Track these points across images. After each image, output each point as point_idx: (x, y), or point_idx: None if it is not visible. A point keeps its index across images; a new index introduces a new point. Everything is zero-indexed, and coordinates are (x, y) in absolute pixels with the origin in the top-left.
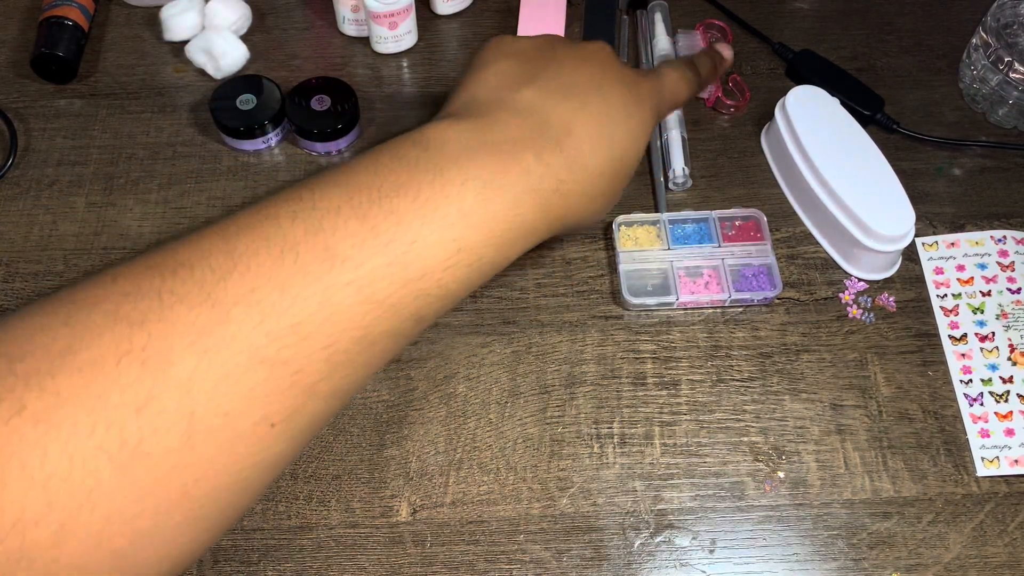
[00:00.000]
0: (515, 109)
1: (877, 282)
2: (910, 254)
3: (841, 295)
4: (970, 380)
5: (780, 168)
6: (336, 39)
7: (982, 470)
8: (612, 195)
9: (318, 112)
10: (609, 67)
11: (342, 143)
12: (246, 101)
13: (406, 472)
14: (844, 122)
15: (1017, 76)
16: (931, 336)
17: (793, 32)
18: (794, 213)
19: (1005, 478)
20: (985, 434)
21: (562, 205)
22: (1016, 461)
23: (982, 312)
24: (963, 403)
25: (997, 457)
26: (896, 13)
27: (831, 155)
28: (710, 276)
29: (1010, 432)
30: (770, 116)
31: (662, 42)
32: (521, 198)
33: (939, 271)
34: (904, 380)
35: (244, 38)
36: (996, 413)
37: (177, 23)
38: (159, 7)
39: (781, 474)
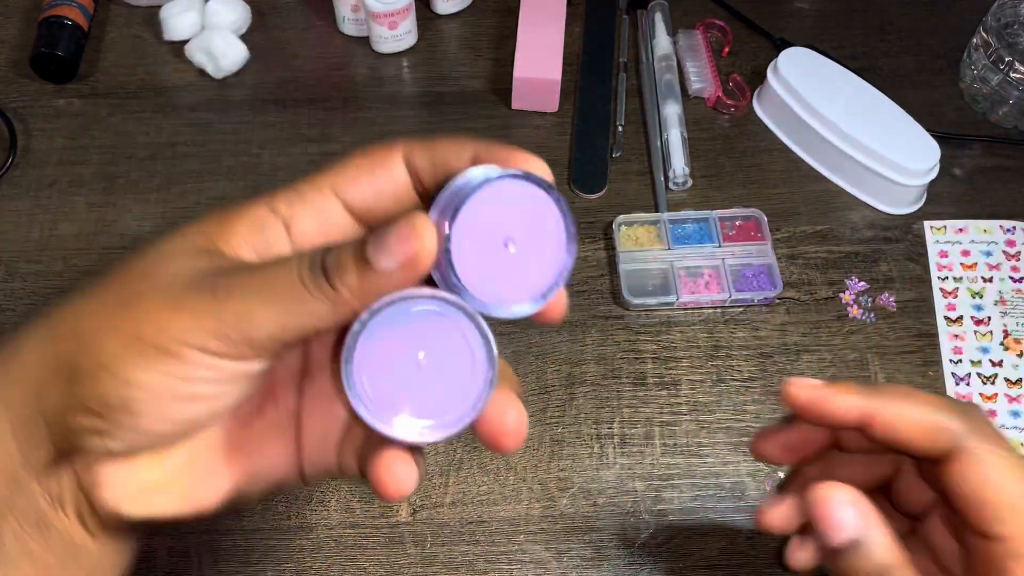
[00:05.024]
0: None
1: (903, 218)
2: (911, 254)
3: (841, 295)
4: (959, 360)
5: (785, 130)
6: (336, 39)
7: None
8: None
9: None
10: None
11: None
12: None
13: None
14: (839, 74)
15: (1017, 76)
16: (931, 336)
17: (794, 32)
18: (795, 212)
19: None
20: None
21: None
22: None
23: (981, 297)
24: (949, 382)
25: None
26: (897, 13)
27: (840, 105)
28: (710, 276)
29: (992, 413)
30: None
31: (662, 42)
32: None
33: (943, 254)
34: (904, 380)
35: (244, 38)
36: (981, 394)
37: (177, 23)
38: (159, 7)
39: (782, 474)
